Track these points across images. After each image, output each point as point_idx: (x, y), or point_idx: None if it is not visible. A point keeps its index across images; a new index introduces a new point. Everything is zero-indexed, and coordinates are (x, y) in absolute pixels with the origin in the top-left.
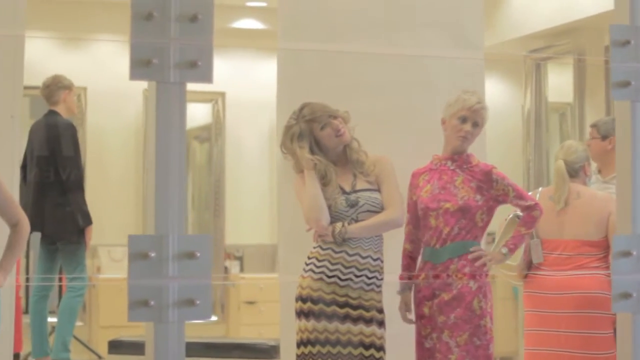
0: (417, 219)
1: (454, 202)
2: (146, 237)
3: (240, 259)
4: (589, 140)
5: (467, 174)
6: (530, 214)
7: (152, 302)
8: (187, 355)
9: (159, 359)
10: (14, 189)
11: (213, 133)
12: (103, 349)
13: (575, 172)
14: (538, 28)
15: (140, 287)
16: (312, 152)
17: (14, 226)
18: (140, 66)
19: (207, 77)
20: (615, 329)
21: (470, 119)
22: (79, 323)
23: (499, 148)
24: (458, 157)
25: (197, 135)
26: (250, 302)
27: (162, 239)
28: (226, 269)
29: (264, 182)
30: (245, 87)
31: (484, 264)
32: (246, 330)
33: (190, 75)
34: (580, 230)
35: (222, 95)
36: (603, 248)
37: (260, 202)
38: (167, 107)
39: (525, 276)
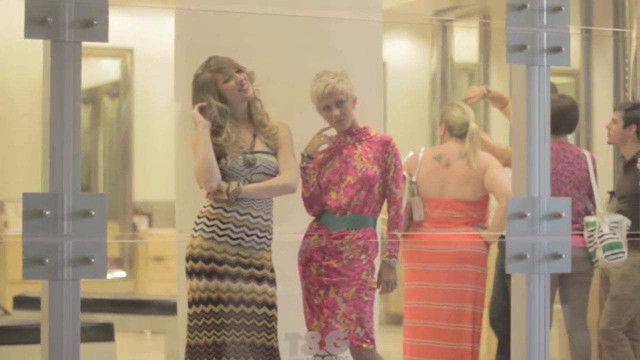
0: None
1: (354, 175)
2: (40, 195)
3: (148, 215)
4: (609, 123)
5: (366, 145)
6: (397, 212)
7: (46, 260)
8: (95, 312)
9: (53, 316)
10: None
11: (122, 89)
12: (10, 305)
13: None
14: None
15: (35, 245)
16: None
17: None
18: (35, 24)
19: (102, 37)
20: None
21: (331, 103)
22: None
23: (404, 108)
24: (356, 131)
25: (108, 91)
26: (159, 259)
27: (57, 197)
28: (134, 226)
29: (171, 138)
30: (154, 43)
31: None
32: (155, 286)
33: (86, 34)
34: (460, 190)
35: (131, 51)
36: (482, 207)
37: (168, 158)
38: (61, 66)
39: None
